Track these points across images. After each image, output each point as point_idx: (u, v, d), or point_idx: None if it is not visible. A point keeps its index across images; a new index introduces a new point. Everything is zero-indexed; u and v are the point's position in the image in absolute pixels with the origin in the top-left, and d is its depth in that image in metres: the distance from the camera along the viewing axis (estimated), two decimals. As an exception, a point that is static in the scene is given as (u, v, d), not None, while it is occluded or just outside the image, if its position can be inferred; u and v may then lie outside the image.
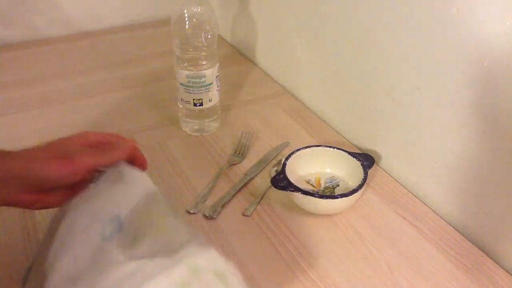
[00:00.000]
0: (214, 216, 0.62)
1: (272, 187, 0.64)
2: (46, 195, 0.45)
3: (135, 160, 0.51)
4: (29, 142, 0.77)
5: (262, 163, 0.72)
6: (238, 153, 0.74)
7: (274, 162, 0.73)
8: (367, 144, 0.76)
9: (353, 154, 0.67)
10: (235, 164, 0.72)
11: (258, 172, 0.71)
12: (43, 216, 0.62)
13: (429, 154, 0.64)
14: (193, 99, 0.76)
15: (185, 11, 0.71)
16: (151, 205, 0.44)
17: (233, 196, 0.66)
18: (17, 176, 0.43)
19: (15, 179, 0.42)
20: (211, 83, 0.75)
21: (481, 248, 0.59)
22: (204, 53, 0.73)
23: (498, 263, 0.57)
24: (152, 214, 0.43)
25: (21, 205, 0.45)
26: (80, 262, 0.39)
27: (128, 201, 0.44)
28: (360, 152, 0.73)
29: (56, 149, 0.46)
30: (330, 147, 0.69)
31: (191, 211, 0.63)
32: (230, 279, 0.40)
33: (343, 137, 0.80)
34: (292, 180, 0.63)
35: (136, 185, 0.46)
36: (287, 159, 0.66)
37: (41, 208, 0.46)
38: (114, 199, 0.44)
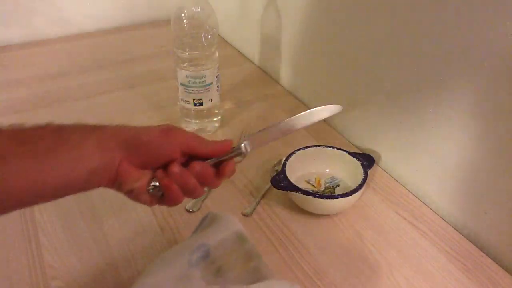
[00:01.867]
0: (194, 210, 0.63)
1: (272, 187, 0.64)
2: (144, 176, 0.43)
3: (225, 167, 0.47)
4: (29, 142, 0.77)
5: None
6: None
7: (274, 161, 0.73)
8: (367, 144, 0.76)
9: (353, 154, 0.67)
10: (236, 163, 0.72)
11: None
12: (42, 216, 0.62)
13: (429, 154, 0.64)
14: (193, 99, 0.75)
15: (185, 11, 0.71)
16: (238, 242, 0.48)
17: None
18: (124, 139, 0.43)
19: (122, 142, 0.42)
20: (211, 83, 0.75)
21: (481, 248, 0.59)
22: (204, 53, 0.73)
23: (498, 263, 0.57)
24: (239, 250, 0.47)
25: (122, 177, 0.42)
26: (164, 284, 0.43)
27: (217, 235, 0.47)
28: (360, 152, 0.73)
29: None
30: (330, 147, 0.69)
31: (190, 210, 0.63)
32: None
33: (343, 137, 0.80)
34: (292, 180, 0.63)
35: (225, 223, 0.49)
36: (287, 159, 0.66)
37: (134, 198, 0.45)
38: (204, 233, 0.48)
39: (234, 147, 0.47)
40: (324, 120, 0.84)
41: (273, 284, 0.44)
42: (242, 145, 0.47)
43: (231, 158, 0.46)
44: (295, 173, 0.67)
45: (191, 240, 0.48)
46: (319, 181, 0.68)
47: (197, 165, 0.44)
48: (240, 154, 0.47)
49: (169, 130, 0.44)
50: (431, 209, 0.65)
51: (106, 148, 0.41)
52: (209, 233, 0.48)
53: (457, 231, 0.62)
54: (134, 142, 0.43)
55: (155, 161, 0.44)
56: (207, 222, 0.51)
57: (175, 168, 0.43)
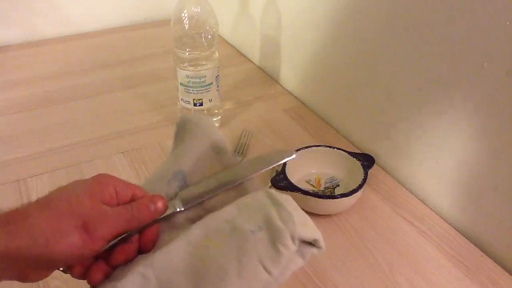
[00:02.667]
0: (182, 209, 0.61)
1: (272, 187, 0.64)
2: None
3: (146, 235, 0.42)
4: (29, 142, 0.77)
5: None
6: (238, 152, 0.74)
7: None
8: (367, 144, 0.76)
9: (353, 154, 0.67)
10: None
11: None
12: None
13: (429, 154, 0.64)
14: (193, 99, 0.75)
15: (185, 11, 0.71)
16: (214, 158, 0.47)
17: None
18: (17, 257, 0.35)
19: (16, 259, 0.35)
20: (211, 83, 0.75)
21: (481, 248, 0.59)
22: (204, 53, 0.73)
23: (498, 263, 0.57)
24: (216, 167, 0.46)
25: (36, 280, 0.38)
26: None
27: (191, 155, 0.47)
28: (360, 152, 0.73)
29: (66, 214, 0.37)
30: (330, 147, 0.69)
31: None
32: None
33: (343, 137, 0.80)
34: (292, 180, 0.63)
35: (200, 136, 0.48)
36: (287, 159, 0.66)
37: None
38: (179, 154, 0.47)
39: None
40: (324, 120, 0.85)
41: (247, 200, 0.42)
42: (180, 208, 0.43)
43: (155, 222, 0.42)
44: (295, 173, 0.67)
45: (167, 165, 0.47)
46: (319, 181, 0.68)
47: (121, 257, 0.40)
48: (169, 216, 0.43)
49: (85, 238, 0.37)
50: (431, 209, 0.65)
51: None
52: (184, 154, 0.46)
53: (457, 231, 0.62)
54: (31, 259, 0.35)
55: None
56: (182, 135, 0.49)
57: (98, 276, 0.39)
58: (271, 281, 0.39)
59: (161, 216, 0.42)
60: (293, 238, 0.39)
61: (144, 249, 0.41)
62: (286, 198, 0.43)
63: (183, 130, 0.49)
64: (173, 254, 0.39)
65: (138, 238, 0.41)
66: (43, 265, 0.37)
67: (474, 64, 0.54)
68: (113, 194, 0.40)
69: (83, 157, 0.74)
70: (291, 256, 0.40)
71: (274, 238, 0.39)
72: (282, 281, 0.40)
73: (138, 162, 0.73)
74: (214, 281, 0.37)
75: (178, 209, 0.43)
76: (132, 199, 0.41)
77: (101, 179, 0.41)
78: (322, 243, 0.42)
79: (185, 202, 0.44)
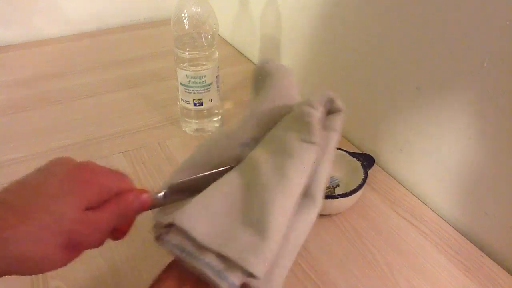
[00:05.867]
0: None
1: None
2: None
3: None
4: (29, 142, 0.77)
5: None
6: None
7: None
8: (367, 144, 0.76)
9: (353, 154, 0.67)
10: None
11: None
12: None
13: (429, 154, 0.64)
14: (193, 99, 0.75)
15: (185, 11, 0.71)
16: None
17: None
18: None
19: None
20: (211, 83, 0.75)
21: (481, 248, 0.59)
22: (204, 53, 0.73)
23: (498, 263, 0.57)
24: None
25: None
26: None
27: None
28: (360, 152, 0.73)
29: (49, 230, 0.32)
30: (330, 147, 0.69)
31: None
32: None
33: (343, 137, 0.80)
34: (292, 180, 0.63)
35: (278, 93, 0.46)
36: (287, 159, 0.66)
37: None
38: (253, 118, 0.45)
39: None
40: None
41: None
42: (161, 194, 0.41)
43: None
44: (295, 173, 0.67)
45: (239, 133, 0.44)
46: (319, 181, 0.68)
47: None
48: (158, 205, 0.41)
49: (62, 254, 0.33)
50: (431, 209, 0.65)
51: None
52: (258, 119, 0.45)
53: (457, 231, 0.62)
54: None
55: None
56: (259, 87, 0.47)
57: None
58: (316, 149, 0.40)
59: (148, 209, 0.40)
60: (312, 105, 0.41)
61: (119, 234, 0.40)
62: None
63: (261, 81, 0.47)
64: (229, 177, 0.40)
65: None
66: (19, 274, 0.34)
67: (474, 63, 0.54)
68: (98, 192, 0.36)
69: (83, 157, 0.72)
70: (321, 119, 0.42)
71: (299, 115, 0.41)
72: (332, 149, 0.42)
73: (138, 162, 0.73)
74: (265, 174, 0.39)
75: (158, 197, 0.41)
76: (119, 192, 0.38)
77: (84, 177, 0.36)
78: (339, 103, 0.44)
79: (169, 190, 0.41)
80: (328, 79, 0.83)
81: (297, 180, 0.38)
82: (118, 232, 0.39)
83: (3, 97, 0.91)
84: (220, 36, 1.14)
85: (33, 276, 0.54)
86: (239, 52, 1.11)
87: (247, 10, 1.03)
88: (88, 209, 0.35)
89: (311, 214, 0.39)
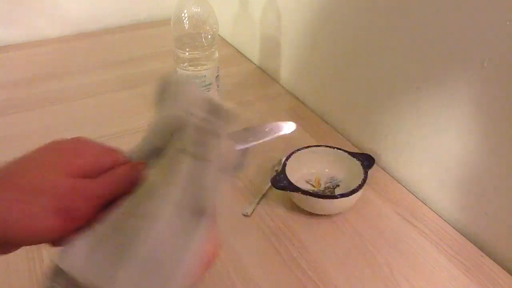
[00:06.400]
0: None
1: (272, 187, 0.64)
2: None
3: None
4: (29, 142, 0.77)
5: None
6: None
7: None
8: (367, 144, 0.76)
9: (353, 154, 0.67)
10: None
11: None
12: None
13: (429, 154, 0.64)
14: (193, 99, 0.75)
15: (185, 11, 0.71)
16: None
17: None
18: None
19: None
20: (211, 83, 0.75)
21: (481, 248, 0.59)
22: (204, 53, 0.73)
23: (498, 263, 0.57)
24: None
25: None
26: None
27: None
28: (360, 152, 0.73)
29: (41, 193, 0.32)
30: (330, 147, 0.69)
31: None
32: None
33: (343, 137, 0.80)
34: (292, 180, 0.63)
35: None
36: (287, 159, 0.66)
37: None
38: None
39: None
40: (324, 120, 0.85)
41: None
42: None
43: None
44: (295, 173, 0.67)
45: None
46: (319, 181, 0.68)
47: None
48: None
49: (59, 219, 0.32)
50: (431, 209, 0.65)
51: None
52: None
53: (457, 231, 0.62)
54: None
55: None
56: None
57: None
58: (190, 158, 0.37)
59: None
60: (189, 111, 0.39)
61: None
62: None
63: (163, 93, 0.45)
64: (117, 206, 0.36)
65: None
66: (20, 244, 0.33)
67: (474, 63, 0.54)
68: (93, 163, 0.35)
69: (83, 157, 0.74)
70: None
71: (176, 125, 0.39)
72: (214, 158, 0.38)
73: (138, 162, 0.73)
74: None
75: None
76: (113, 166, 0.36)
77: (78, 147, 0.36)
78: (224, 108, 0.41)
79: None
80: (328, 79, 0.83)
81: (169, 198, 0.35)
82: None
83: (3, 97, 0.91)
84: (220, 36, 1.14)
85: (33, 276, 0.54)
86: (239, 52, 1.11)
87: (247, 10, 1.03)
88: (83, 177, 0.34)
89: (201, 229, 0.35)
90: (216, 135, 0.40)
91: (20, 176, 0.33)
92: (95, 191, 0.34)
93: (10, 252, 0.34)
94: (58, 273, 0.33)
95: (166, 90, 0.46)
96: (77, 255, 0.33)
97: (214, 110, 0.42)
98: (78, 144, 0.36)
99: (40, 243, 0.33)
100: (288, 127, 0.46)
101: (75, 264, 0.33)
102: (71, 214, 0.33)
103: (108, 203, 0.35)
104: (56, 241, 0.33)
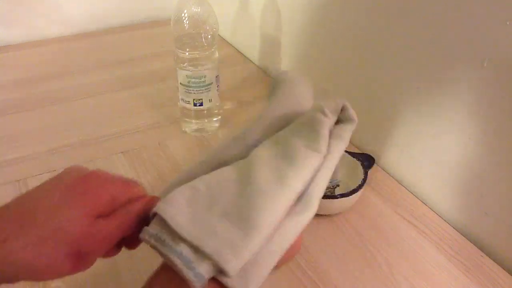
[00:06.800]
0: None
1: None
2: None
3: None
4: (29, 142, 0.77)
5: None
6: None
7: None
8: (367, 144, 0.76)
9: (353, 154, 0.67)
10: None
11: None
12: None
13: (429, 154, 0.64)
14: (193, 99, 0.75)
15: (185, 11, 0.71)
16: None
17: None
18: None
19: None
20: (211, 83, 0.75)
21: (481, 248, 0.59)
22: (204, 53, 0.73)
23: (498, 263, 0.57)
24: None
25: None
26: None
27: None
28: (360, 152, 0.73)
29: (55, 239, 0.31)
30: (330, 147, 0.69)
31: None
32: None
33: (343, 137, 0.80)
34: (292, 180, 0.63)
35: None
36: (287, 159, 0.66)
37: None
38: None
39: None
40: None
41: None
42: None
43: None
44: (295, 173, 0.67)
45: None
46: (319, 181, 0.68)
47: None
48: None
49: (74, 264, 0.32)
50: (431, 209, 0.65)
51: None
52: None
53: (457, 231, 0.62)
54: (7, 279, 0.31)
55: None
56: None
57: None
58: (320, 156, 0.39)
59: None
60: (323, 112, 0.41)
61: (132, 245, 0.39)
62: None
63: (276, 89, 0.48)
64: (223, 172, 0.39)
65: None
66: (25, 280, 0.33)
67: (474, 63, 0.54)
68: (109, 201, 0.35)
69: (83, 157, 0.74)
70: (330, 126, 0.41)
71: (309, 121, 0.41)
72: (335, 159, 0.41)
73: (138, 162, 0.73)
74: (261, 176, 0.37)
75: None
76: (129, 201, 0.36)
77: (94, 185, 0.34)
78: (352, 112, 0.44)
79: None
80: (328, 79, 0.83)
81: (294, 187, 0.38)
82: (132, 241, 0.38)
83: (3, 97, 0.91)
84: (220, 36, 1.14)
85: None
86: (239, 52, 1.11)
87: (247, 10, 1.03)
88: (97, 217, 0.33)
89: (304, 219, 0.38)
90: (341, 138, 0.43)
91: (37, 215, 0.31)
92: (110, 234, 0.34)
93: (11, 283, 0.33)
94: (158, 221, 0.35)
95: (280, 84, 0.48)
96: (175, 205, 0.35)
97: (342, 111, 0.44)
98: (93, 182, 0.35)
99: (44, 280, 0.34)
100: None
101: (173, 213, 0.35)
102: (83, 257, 0.33)
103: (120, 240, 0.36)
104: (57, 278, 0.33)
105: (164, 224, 0.35)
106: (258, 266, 0.35)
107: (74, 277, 0.53)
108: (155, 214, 0.36)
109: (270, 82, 0.49)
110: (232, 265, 0.33)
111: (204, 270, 0.33)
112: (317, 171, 0.40)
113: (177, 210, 0.35)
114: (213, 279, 0.34)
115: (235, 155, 0.43)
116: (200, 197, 0.37)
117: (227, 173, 0.39)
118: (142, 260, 0.56)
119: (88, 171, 0.36)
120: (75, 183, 0.34)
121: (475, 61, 0.54)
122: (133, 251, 0.57)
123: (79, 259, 0.33)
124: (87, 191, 0.34)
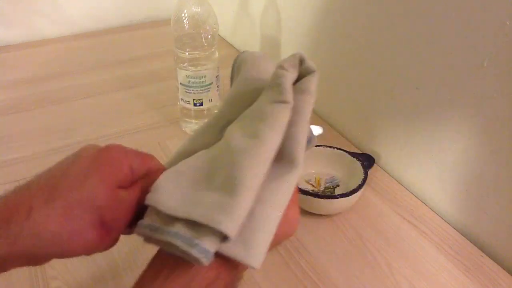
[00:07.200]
0: None
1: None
2: None
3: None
4: (29, 142, 0.77)
5: None
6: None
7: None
8: (367, 144, 0.76)
9: (353, 154, 0.67)
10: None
11: None
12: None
13: (429, 154, 0.64)
14: (193, 99, 0.75)
15: (185, 11, 0.71)
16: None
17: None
18: (23, 255, 0.31)
19: (21, 257, 0.31)
20: (211, 83, 0.75)
21: (481, 248, 0.59)
22: (204, 53, 0.73)
23: (498, 263, 0.57)
24: None
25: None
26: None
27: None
28: (360, 152, 0.73)
29: (79, 207, 0.32)
30: (330, 147, 0.69)
31: None
32: None
33: (343, 137, 0.80)
34: (292, 180, 0.63)
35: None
36: (287, 159, 0.66)
37: None
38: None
39: None
40: (324, 119, 0.85)
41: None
42: None
43: None
44: (295, 173, 0.67)
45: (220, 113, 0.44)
46: (319, 181, 0.68)
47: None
48: None
49: (100, 234, 0.33)
50: (431, 209, 0.65)
51: None
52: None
53: (457, 231, 0.62)
54: (37, 259, 0.32)
55: None
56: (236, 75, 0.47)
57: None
58: (288, 107, 0.38)
59: None
60: (282, 67, 0.41)
61: None
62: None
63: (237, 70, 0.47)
64: (203, 153, 0.39)
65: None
66: (52, 258, 0.33)
67: (474, 63, 0.54)
68: (128, 173, 0.35)
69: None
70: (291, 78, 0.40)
71: (270, 79, 0.40)
72: (306, 113, 0.40)
73: (138, 162, 0.73)
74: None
75: None
76: (147, 173, 0.37)
77: (114, 157, 0.35)
78: (310, 63, 0.42)
79: None
80: (328, 79, 0.83)
81: (268, 141, 0.36)
82: None
83: (3, 97, 0.91)
84: (220, 36, 1.14)
85: (33, 276, 0.54)
86: (239, 52, 1.11)
87: (247, 10, 1.03)
88: (118, 188, 0.34)
89: (291, 176, 0.38)
90: (307, 92, 0.42)
91: (61, 187, 0.32)
92: (133, 201, 0.35)
93: (40, 264, 0.34)
94: (150, 213, 0.35)
95: (241, 64, 0.48)
96: (163, 192, 0.35)
97: (300, 63, 0.43)
98: (114, 153, 0.35)
99: (73, 256, 0.33)
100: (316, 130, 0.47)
101: (162, 199, 0.34)
102: (109, 226, 0.33)
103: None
104: (89, 253, 0.33)
105: (157, 212, 0.34)
106: (257, 231, 0.34)
107: (74, 277, 0.54)
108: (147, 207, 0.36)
109: (232, 64, 0.49)
110: (225, 225, 0.31)
111: (207, 244, 0.32)
112: (293, 125, 0.39)
113: (164, 196, 0.35)
114: (218, 260, 0.33)
115: (210, 139, 0.42)
116: (184, 177, 0.36)
117: (206, 152, 0.39)
118: (142, 261, 0.56)
119: (105, 145, 0.36)
120: (97, 154, 0.35)
121: (475, 61, 0.54)
122: (133, 252, 0.58)
123: (104, 229, 0.33)
124: (109, 162, 0.34)
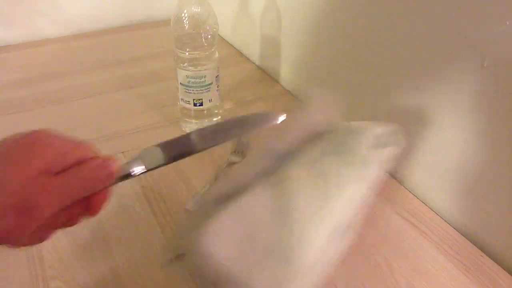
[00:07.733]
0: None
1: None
2: None
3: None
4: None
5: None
6: (237, 152, 0.74)
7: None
8: (367, 144, 0.76)
9: (353, 154, 0.67)
10: (234, 163, 0.72)
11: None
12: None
13: (429, 154, 0.64)
14: (193, 99, 0.75)
15: (185, 11, 0.71)
16: None
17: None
18: None
19: None
20: (211, 83, 0.75)
21: (481, 248, 0.59)
22: (204, 53, 0.73)
23: (498, 263, 0.57)
24: None
25: None
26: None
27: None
28: (360, 152, 0.73)
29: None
30: (330, 147, 0.69)
31: (191, 210, 0.63)
32: None
33: (343, 137, 0.80)
34: (292, 180, 0.63)
35: None
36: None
37: None
38: None
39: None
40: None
41: None
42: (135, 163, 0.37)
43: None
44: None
45: None
46: (319, 181, 0.68)
47: None
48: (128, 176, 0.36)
49: (21, 219, 0.31)
50: (431, 209, 0.65)
51: None
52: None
53: (457, 231, 0.62)
54: None
55: None
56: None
57: None
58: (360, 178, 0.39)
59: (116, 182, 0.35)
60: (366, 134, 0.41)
61: (91, 210, 0.35)
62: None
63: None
64: (257, 196, 0.37)
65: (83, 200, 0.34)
66: None
67: (474, 63, 0.54)
68: (57, 157, 0.33)
69: (83, 157, 0.74)
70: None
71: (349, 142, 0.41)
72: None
73: (138, 162, 0.73)
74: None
75: (134, 172, 0.37)
76: (81, 160, 0.34)
77: (39, 139, 0.33)
78: (401, 138, 0.42)
79: (148, 164, 0.38)
80: (328, 79, 0.83)
81: (339, 210, 0.36)
82: (91, 207, 0.36)
83: (3, 97, 0.91)
84: (220, 36, 1.14)
85: (33, 276, 0.54)
86: (239, 52, 1.11)
87: (247, 10, 1.03)
88: (46, 173, 0.32)
89: (344, 243, 0.37)
90: (381, 163, 0.44)
91: None
92: (58, 188, 0.32)
93: None
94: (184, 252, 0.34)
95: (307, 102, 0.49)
96: (226, 244, 0.33)
97: (391, 135, 0.44)
98: (38, 138, 0.34)
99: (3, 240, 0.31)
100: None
101: (221, 249, 0.33)
102: (31, 212, 0.31)
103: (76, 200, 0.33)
104: (10, 241, 0.32)
105: (206, 258, 0.33)
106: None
107: (74, 278, 0.54)
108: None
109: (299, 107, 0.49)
110: None
111: None
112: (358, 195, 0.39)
113: (219, 243, 0.33)
114: None
115: (264, 167, 0.41)
116: (240, 226, 0.35)
117: (262, 197, 0.37)
118: (142, 261, 0.56)
119: (33, 130, 0.35)
120: (20, 141, 0.33)
121: (475, 61, 0.54)
122: (133, 252, 0.58)
123: (27, 213, 0.31)
124: (32, 145, 0.33)
